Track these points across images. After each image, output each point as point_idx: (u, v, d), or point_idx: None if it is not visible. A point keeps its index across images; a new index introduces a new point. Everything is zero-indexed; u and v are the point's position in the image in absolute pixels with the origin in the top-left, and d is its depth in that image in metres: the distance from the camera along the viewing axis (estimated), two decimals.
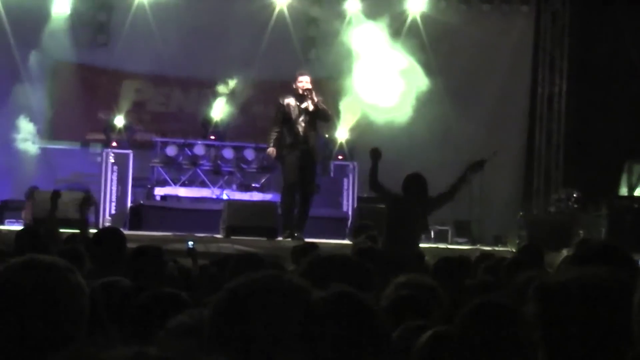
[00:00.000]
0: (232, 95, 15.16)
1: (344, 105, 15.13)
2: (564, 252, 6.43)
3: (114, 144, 14.36)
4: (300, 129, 11.92)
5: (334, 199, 14.95)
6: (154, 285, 3.83)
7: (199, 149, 14.72)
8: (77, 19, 15.58)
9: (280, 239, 11.99)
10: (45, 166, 15.13)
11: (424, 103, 14.75)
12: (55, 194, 6.87)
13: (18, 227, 10.76)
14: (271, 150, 12.06)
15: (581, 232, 12.95)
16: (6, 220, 13.56)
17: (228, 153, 14.78)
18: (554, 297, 2.04)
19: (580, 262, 3.02)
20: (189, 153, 14.76)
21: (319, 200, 13.97)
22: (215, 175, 14.92)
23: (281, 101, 12.05)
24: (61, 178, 15.11)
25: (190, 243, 7.66)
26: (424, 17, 16.55)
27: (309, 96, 11.90)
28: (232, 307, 1.90)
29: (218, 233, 12.55)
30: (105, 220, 13.85)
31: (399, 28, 16.05)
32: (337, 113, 15.08)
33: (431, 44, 16.21)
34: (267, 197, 14.46)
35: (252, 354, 1.85)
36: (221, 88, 15.04)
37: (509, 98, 17.26)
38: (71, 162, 15.71)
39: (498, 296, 3.07)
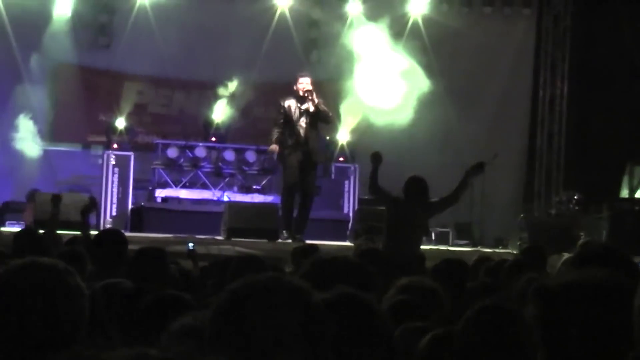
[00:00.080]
0: (233, 97, 15.17)
1: (345, 107, 15.13)
2: (565, 255, 6.43)
3: (115, 145, 14.37)
4: (301, 131, 11.92)
5: (334, 201, 14.95)
6: (156, 287, 3.82)
7: (200, 151, 14.72)
8: (78, 21, 15.58)
9: (280, 240, 11.98)
10: (46, 168, 15.13)
11: (425, 105, 14.75)
12: (56, 197, 6.86)
13: (18, 229, 10.75)
14: (273, 147, 12.02)
15: (582, 234, 12.95)
16: (7, 222, 13.56)
17: (229, 155, 14.78)
18: (554, 299, 2.04)
19: (581, 264, 3.02)
20: (190, 155, 14.76)
21: (319, 202, 13.97)
22: (217, 177, 14.92)
23: (282, 103, 12.05)
24: (62, 180, 15.12)
25: (191, 245, 7.65)
26: (426, 19, 16.55)
27: (310, 97, 11.90)
28: (233, 308, 1.90)
29: (219, 235, 12.55)
30: (106, 222, 13.86)
31: (401, 30, 16.05)
32: (338, 115, 15.08)
33: (433, 47, 16.21)
34: (268, 199, 14.46)
35: (253, 355, 1.84)
36: (222, 90, 15.05)
37: (510, 100, 17.26)
38: (72, 163, 15.71)
39: (500, 299, 3.06)
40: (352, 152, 15.28)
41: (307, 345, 1.87)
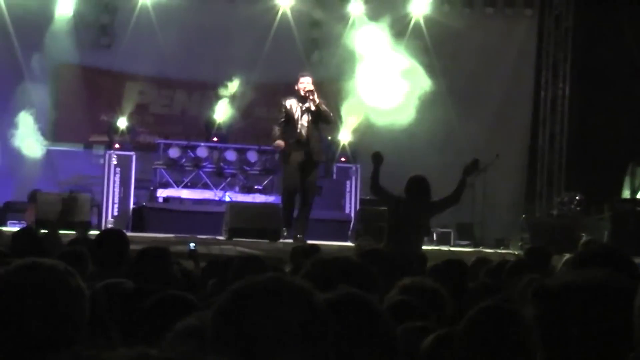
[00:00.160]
0: (235, 98, 15.17)
1: (346, 107, 15.13)
2: (566, 255, 6.42)
3: (117, 145, 14.37)
4: (303, 130, 11.91)
5: (336, 201, 14.95)
6: (158, 287, 3.82)
7: (202, 151, 14.72)
8: (80, 21, 15.60)
9: (282, 241, 11.99)
10: (48, 168, 15.14)
11: (427, 105, 14.74)
12: (71, 197, 6.88)
13: (17, 229, 10.76)
14: (279, 142, 11.96)
15: (584, 235, 12.94)
16: (8, 222, 13.57)
17: (231, 155, 14.79)
18: (553, 300, 2.04)
19: (581, 265, 3.02)
20: (192, 155, 14.76)
21: (321, 202, 13.97)
22: (218, 177, 14.92)
23: (283, 102, 12.05)
24: (64, 180, 15.14)
25: (192, 245, 7.66)
26: (427, 20, 16.55)
27: (311, 97, 11.89)
28: (234, 308, 1.90)
29: (220, 235, 12.55)
30: (108, 222, 13.87)
31: (402, 31, 16.05)
32: (340, 115, 15.08)
33: (434, 47, 16.21)
34: (270, 199, 14.46)
35: (255, 355, 1.84)
36: (224, 90, 15.04)
37: (512, 101, 17.26)
38: (74, 163, 15.73)
39: (500, 300, 3.06)
40: (354, 153, 15.28)
41: (309, 345, 1.87)
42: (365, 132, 15.28)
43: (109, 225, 13.45)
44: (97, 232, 7.17)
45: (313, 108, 11.89)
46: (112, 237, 5.71)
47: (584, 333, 1.99)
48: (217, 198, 14.65)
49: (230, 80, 15.00)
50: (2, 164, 15.01)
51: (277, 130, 12.02)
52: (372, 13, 15.88)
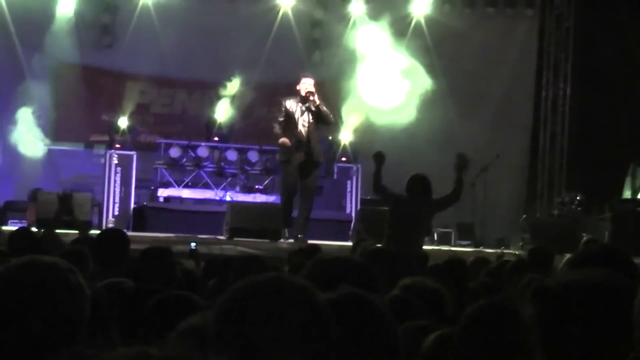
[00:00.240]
0: (235, 97, 15.17)
1: (347, 107, 15.13)
2: (568, 255, 6.42)
3: (118, 145, 14.38)
4: (303, 131, 11.94)
5: (337, 201, 14.95)
6: (159, 286, 3.82)
7: (203, 151, 14.72)
8: (81, 21, 15.60)
9: (282, 240, 12.00)
10: (48, 167, 15.14)
11: (428, 105, 14.75)
12: (67, 196, 6.88)
13: (15, 228, 10.77)
14: (284, 140, 11.94)
15: (584, 235, 12.94)
16: (9, 221, 13.58)
17: (232, 155, 14.78)
18: (553, 299, 2.04)
19: (580, 265, 3.02)
20: (193, 155, 14.76)
21: (322, 202, 13.97)
22: (219, 177, 14.92)
23: (283, 102, 12.07)
24: (64, 179, 15.14)
25: (193, 244, 7.67)
26: (428, 20, 16.55)
27: (311, 98, 11.91)
28: (236, 308, 1.90)
29: (221, 235, 12.56)
30: (109, 222, 13.87)
31: (403, 30, 16.05)
32: (341, 115, 15.09)
33: (435, 47, 16.21)
34: (271, 199, 14.46)
35: (257, 355, 1.84)
36: (225, 90, 15.04)
37: (513, 101, 17.25)
38: (75, 163, 15.74)
39: (499, 298, 3.06)
40: (355, 152, 15.28)
41: (311, 345, 1.87)
42: (366, 131, 15.28)
43: (110, 225, 13.46)
44: (97, 232, 7.17)
45: (313, 109, 11.91)
46: (113, 236, 5.72)
47: (583, 333, 1.99)
48: (217, 198, 14.65)
49: (231, 80, 15.00)
50: (2, 163, 15.02)
51: (277, 128, 12.03)
52: (373, 13, 15.88)
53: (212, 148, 14.85)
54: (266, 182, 14.95)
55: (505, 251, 12.23)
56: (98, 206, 14.11)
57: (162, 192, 14.59)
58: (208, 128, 15.29)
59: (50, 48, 15.47)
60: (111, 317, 3.37)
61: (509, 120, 17.17)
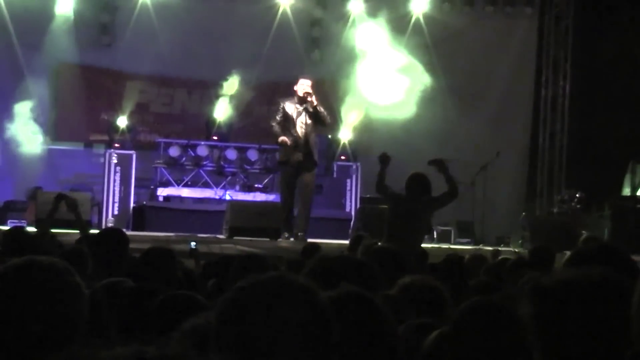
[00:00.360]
0: (235, 96, 15.16)
1: (347, 105, 15.14)
2: (567, 253, 6.41)
3: (117, 144, 14.38)
4: (300, 131, 11.98)
5: (336, 199, 14.96)
6: (159, 286, 3.82)
7: (202, 150, 14.72)
8: (80, 20, 15.59)
9: (282, 239, 12.01)
10: (48, 167, 15.14)
11: (428, 104, 14.77)
12: (60, 197, 6.86)
13: (7, 228, 10.77)
14: (284, 139, 11.98)
15: (584, 232, 12.94)
16: (9, 221, 13.57)
17: (231, 154, 14.78)
18: (550, 297, 2.04)
19: (579, 263, 3.02)
20: (192, 154, 14.76)
21: (321, 201, 13.97)
22: (219, 176, 14.92)
23: (281, 103, 12.14)
24: (64, 179, 15.14)
25: (193, 244, 7.66)
26: (428, 18, 16.54)
27: (309, 99, 11.96)
28: (238, 307, 1.89)
29: (221, 234, 12.56)
30: (108, 221, 13.87)
31: (403, 29, 16.05)
32: (340, 114, 15.11)
33: (435, 46, 16.21)
34: (270, 197, 14.46)
35: (258, 354, 1.84)
36: (224, 89, 15.04)
37: (512, 99, 17.25)
38: (74, 162, 15.73)
39: (491, 296, 3.06)
40: (354, 151, 15.29)
41: (312, 345, 1.87)
42: (366, 130, 15.28)
43: (110, 224, 13.46)
44: (97, 231, 7.16)
45: (310, 110, 11.96)
46: (112, 236, 5.71)
47: (581, 330, 1.99)
48: (217, 197, 14.65)
49: (231, 79, 14.99)
50: (2, 163, 15.01)
51: (276, 127, 12.06)
52: (372, 12, 15.88)
53: (211, 147, 14.85)
54: (266, 181, 14.95)
55: (502, 249, 12.23)
56: (98, 205, 14.11)
57: (162, 192, 14.59)
58: (207, 127, 15.29)
59: (49, 47, 15.46)
60: (110, 317, 3.37)
61: (509, 118, 17.17)
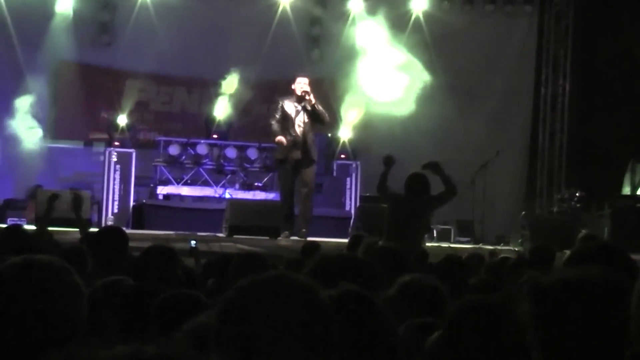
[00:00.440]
0: (235, 95, 15.16)
1: (346, 104, 15.14)
2: (567, 252, 6.41)
3: (117, 143, 14.38)
4: (299, 130, 12.01)
5: (336, 198, 14.95)
6: (159, 285, 3.82)
7: (202, 148, 14.72)
8: (80, 19, 15.58)
9: (281, 238, 12.01)
10: (48, 165, 15.13)
11: (427, 103, 14.76)
12: (53, 197, 6.86)
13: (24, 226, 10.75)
14: (281, 138, 12.02)
15: (584, 231, 12.94)
16: (8, 219, 13.55)
17: (231, 152, 14.78)
18: (548, 297, 2.04)
19: (578, 263, 3.02)
20: (192, 152, 14.76)
21: (321, 199, 13.97)
22: (218, 175, 14.92)
23: (280, 101, 12.17)
24: (64, 177, 15.13)
25: (193, 242, 7.66)
26: (428, 17, 16.53)
27: (307, 97, 11.98)
28: (239, 307, 1.89)
29: (220, 232, 12.56)
30: (108, 219, 13.87)
31: (402, 27, 16.05)
32: (340, 113, 15.11)
33: (435, 44, 16.21)
34: (270, 196, 14.46)
35: (260, 354, 1.84)
36: (224, 87, 15.03)
37: (512, 98, 17.25)
38: (74, 161, 15.73)
39: (488, 296, 3.06)
40: (354, 150, 15.29)
41: (313, 344, 1.86)
42: (366, 128, 15.28)
43: (109, 223, 13.45)
44: (96, 230, 7.15)
45: (309, 108, 11.98)
46: (112, 234, 5.71)
47: (580, 330, 1.99)
48: (217, 195, 14.65)
49: (231, 77, 14.98)
50: (2, 161, 15.01)
51: (275, 125, 12.09)
52: (372, 10, 15.87)
53: (211, 145, 14.85)
54: (265, 180, 14.94)
55: (502, 248, 12.23)
56: (97, 204, 14.10)
57: (162, 190, 14.58)
58: (207, 126, 15.29)
59: (49, 46, 15.45)
60: (110, 316, 3.36)
61: (508, 117, 17.17)
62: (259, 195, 14.61)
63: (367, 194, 14.35)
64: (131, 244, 5.74)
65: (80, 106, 16.08)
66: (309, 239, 10.83)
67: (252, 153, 14.81)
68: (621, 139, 15.71)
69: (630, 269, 2.91)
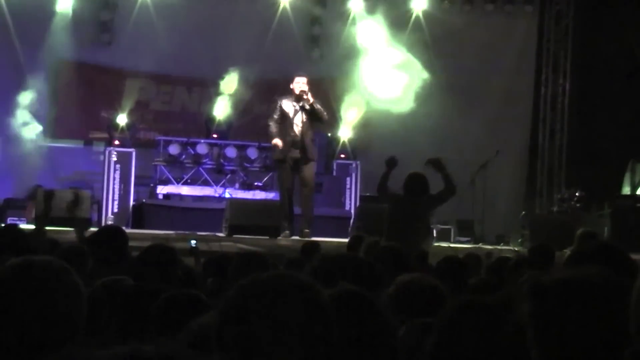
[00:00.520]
0: (235, 94, 15.15)
1: (346, 103, 15.14)
2: (568, 252, 6.41)
3: (117, 142, 14.37)
4: (297, 129, 12.03)
5: (336, 197, 14.95)
6: (159, 285, 3.82)
7: (202, 148, 14.72)
8: (80, 18, 15.57)
9: (281, 237, 12.01)
10: (48, 164, 15.13)
11: (427, 102, 14.75)
12: (48, 195, 6.87)
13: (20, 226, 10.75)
14: (277, 141, 12.06)
15: (582, 229, 12.93)
16: (8, 219, 13.56)
17: (231, 152, 14.78)
18: (548, 297, 2.04)
19: (578, 262, 3.02)
20: (192, 152, 14.76)
21: (321, 199, 13.97)
22: (218, 174, 14.92)
23: (278, 101, 12.19)
24: (64, 176, 15.13)
25: (193, 242, 7.66)
26: (428, 16, 16.53)
27: (305, 97, 11.99)
28: (240, 307, 1.89)
29: (220, 232, 12.55)
30: (108, 219, 13.86)
31: (402, 27, 16.04)
32: (340, 112, 15.11)
33: (435, 44, 16.20)
34: (270, 195, 14.46)
35: (261, 353, 1.84)
36: (224, 87, 15.03)
37: (512, 98, 17.25)
38: (74, 160, 15.73)
39: (484, 296, 3.06)
40: (354, 149, 15.28)
41: (314, 343, 1.86)
42: (366, 128, 15.28)
43: (109, 222, 13.45)
44: (96, 229, 7.15)
45: (307, 107, 12.00)
46: (111, 234, 5.70)
47: (580, 330, 1.99)
48: (217, 195, 14.65)
49: (231, 76, 14.98)
50: (2, 160, 15.00)
51: (273, 127, 12.11)
52: (372, 10, 15.86)
53: (211, 145, 14.85)
54: (265, 179, 14.94)
55: (502, 248, 12.23)
56: (97, 203, 14.10)
57: (162, 189, 14.58)
58: (207, 125, 15.29)
59: (49, 45, 15.44)
60: (110, 315, 3.36)
61: (509, 117, 17.17)
62: (259, 194, 14.61)
63: (367, 194, 14.35)
64: (131, 243, 5.75)
65: (80, 105, 16.07)
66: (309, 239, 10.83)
67: (252, 152, 14.81)
68: (621, 139, 15.72)
69: (630, 269, 2.91)
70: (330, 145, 15.34)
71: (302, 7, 16.34)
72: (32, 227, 8.82)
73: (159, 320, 3.16)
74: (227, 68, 15.04)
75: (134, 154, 14.28)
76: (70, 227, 6.78)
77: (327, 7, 16.49)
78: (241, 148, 14.89)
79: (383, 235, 8.44)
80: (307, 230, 12.02)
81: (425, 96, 14.82)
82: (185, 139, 14.89)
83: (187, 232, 11.49)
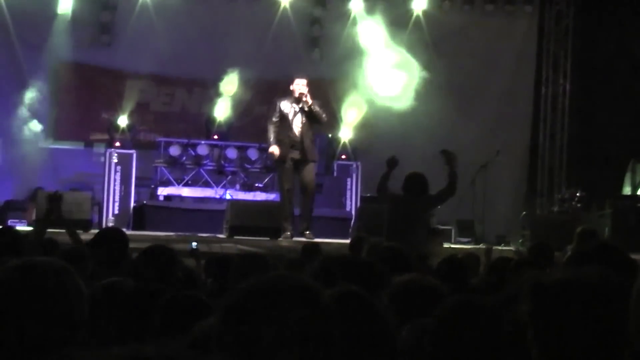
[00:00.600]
0: (235, 95, 15.16)
1: (347, 105, 15.14)
2: (569, 252, 6.42)
3: (118, 144, 14.37)
4: (296, 130, 12.03)
5: (337, 198, 14.95)
6: (160, 286, 3.82)
7: (203, 149, 14.72)
8: (80, 20, 15.57)
9: (282, 238, 12.01)
10: (48, 166, 15.13)
11: (427, 103, 14.76)
12: (51, 196, 6.84)
13: (21, 228, 10.78)
14: (273, 149, 12.10)
15: (581, 226, 12.92)
16: (9, 221, 13.55)
17: (231, 153, 14.78)
18: (548, 296, 2.04)
19: (578, 262, 3.02)
20: (193, 153, 14.76)
21: (322, 200, 13.97)
22: (219, 175, 14.92)
23: (278, 103, 12.19)
24: (64, 178, 15.13)
25: (194, 244, 7.66)
26: (428, 16, 16.53)
27: (304, 99, 12.00)
28: (241, 309, 1.89)
29: (221, 233, 12.55)
30: (109, 221, 13.86)
31: (403, 27, 16.04)
32: (340, 113, 15.11)
33: (435, 44, 16.20)
34: (270, 197, 14.46)
35: (262, 354, 1.84)
36: (224, 88, 15.03)
37: (512, 98, 17.25)
38: (74, 162, 15.73)
39: (470, 295, 3.06)
40: (354, 150, 15.28)
41: (315, 344, 1.87)
42: (366, 128, 15.29)
43: (110, 224, 13.45)
44: (96, 231, 7.15)
45: (306, 109, 12.01)
46: (112, 236, 5.71)
47: (580, 329, 1.99)
48: (217, 196, 14.65)
49: (231, 77, 14.98)
50: (3, 162, 15.01)
51: (271, 131, 12.12)
52: (372, 9, 15.87)
53: (211, 146, 14.85)
54: (266, 180, 14.94)
55: (501, 248, 12.22)
56: (98, 205, 14.10)
57: (162, 191, 14.58)
58: (208, 126, 15.29)
59: (49, 47, 15.45)
60: (111, 317, 3.36)
61: (509, 117, 17.17)
62: (260, 195, 14.61)
63: (368, 195, 14.34)
64: (131, 245, 5.74)
65: (81, 107, 16.08)
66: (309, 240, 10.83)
67: (253, 154, 14.81)
68: (621, 139, 15.72)
69: (630, 269, 2.92)
70: (330, 146, 15.34)
71: (302, 8, 16.34)
72: (31, 229, 8.82)
73: (160, 321, 3.16)
74: (227, 69, 15.05)
75: (134, 155, 14.28)
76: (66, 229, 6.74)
77: (327, 8, 16.50)
78: (242, 149, 14.89)
79: (383, 236, 8.46)
80: (308, 232, 12.02)
81: (425, 96, 14.83)
82: (185, 140, 14.88)
83: (187, 234, 11.49)
